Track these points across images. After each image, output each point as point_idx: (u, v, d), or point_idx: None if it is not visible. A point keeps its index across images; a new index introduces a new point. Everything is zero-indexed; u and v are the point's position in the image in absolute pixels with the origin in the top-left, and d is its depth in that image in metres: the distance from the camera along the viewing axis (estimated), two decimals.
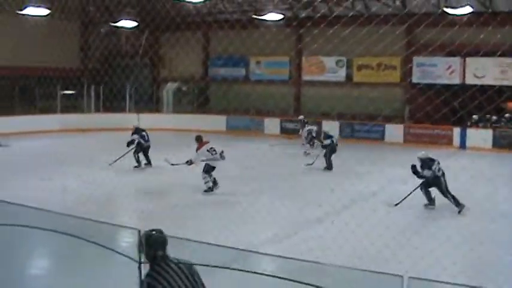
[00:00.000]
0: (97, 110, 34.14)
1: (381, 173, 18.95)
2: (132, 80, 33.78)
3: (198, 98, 35.12)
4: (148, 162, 19.33)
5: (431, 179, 13.62)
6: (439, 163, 13.82)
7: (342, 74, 32.29)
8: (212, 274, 4.96)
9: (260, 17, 26.40)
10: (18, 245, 8.78)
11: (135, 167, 18.96)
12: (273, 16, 25.88)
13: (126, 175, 17.62)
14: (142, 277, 4.54)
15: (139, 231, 4.23)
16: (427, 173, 13.60)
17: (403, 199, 13.70)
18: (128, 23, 29.68)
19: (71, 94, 33.94)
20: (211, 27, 33.68)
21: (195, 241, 4.95)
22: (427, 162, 13.79)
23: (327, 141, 19.85)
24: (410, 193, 13.72)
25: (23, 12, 23.35)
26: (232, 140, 26.63)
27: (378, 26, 16.20)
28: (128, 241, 9.41)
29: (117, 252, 4.81)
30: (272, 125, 31.14)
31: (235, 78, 35.19)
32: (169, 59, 36.33)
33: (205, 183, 14.86)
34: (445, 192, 13.55)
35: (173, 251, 4.53)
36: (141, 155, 19.19)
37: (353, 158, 21.06)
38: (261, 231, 11.23)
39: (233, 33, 29.99)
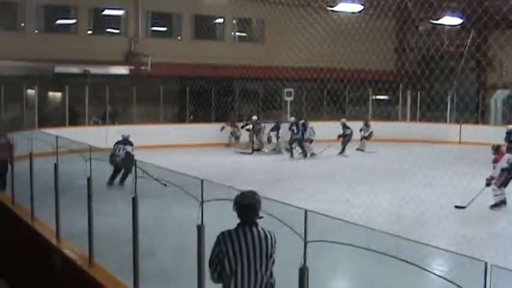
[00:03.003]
0: (413, 119, 33.45)
1: None
2: (455, 85, 32.44)
3: None
4: None
5: None
6: None
7: None
8: None
9: None
10: (323, 261, 8.75)
11: None
12: None
13: (442, 194, 16.61)
14: None
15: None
16: None
17: None
18: (452, 20, 28.62)
19: (384, 100, 33.79)
20: None
21: None
22: None
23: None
24: None
25: (335, 8, 23.54)
26: None
27: None
28: (442, 269, 8.94)
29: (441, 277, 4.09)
30: None
31: None
32: (499, 62, 34.19)
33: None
34: None
35: None
36: None
37: None
38: None
39: None
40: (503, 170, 14.98)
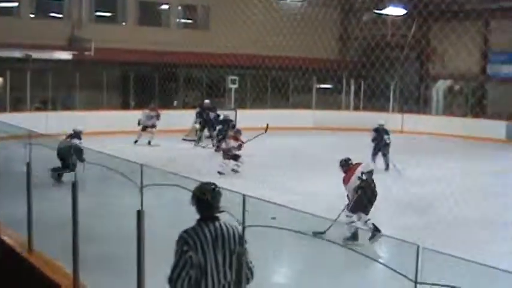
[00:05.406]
0: (356, 108, 33.88)
1: None
2: (398, 75, 32.88)
3: (473, 100, 33.12)
4: None
5: None
6: None
7: None
8: None
9: None
10: (267, 247, 8.80)
11: None
12: None
13: (383, 184, 16.89)
14: None
15: None
16: None
17: None
18: (396, 10, 28.98)
19: (328, 88, 34.08)
20: (494, 15, 31.42)
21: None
22: None
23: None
24: None
25: None
26: None
27: None
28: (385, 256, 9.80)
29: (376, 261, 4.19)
30: None
31: None
32: (442, 53, 34.68)
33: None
34: None
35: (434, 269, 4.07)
36: None
37: None
38: None
39: None
40: (356, 190, 11.52)
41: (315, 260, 9.48)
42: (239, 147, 18.66)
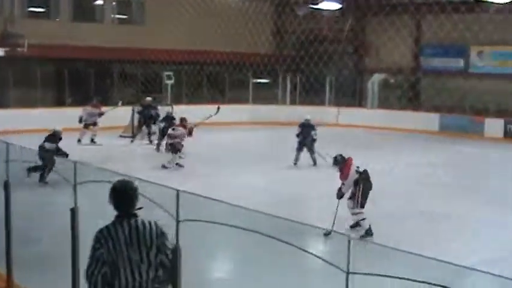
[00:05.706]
0: (292, 102, 34.11)
1: None
2: (333, 69, 33.23)
3: (407, 93, 33.65)
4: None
5: None
6: None
7: None
8: None
9: None
10: (202, 242, 9.03)
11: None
12: None
13: (318, 174, 17.08)
14: None
15: None
16: None
17: None
18: (331, 5, 29.29)
19: (264, 83, 34.15)
20: (422, 10, 31.88)
21: (408, 252, 4.61)
22: None
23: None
24: None
25: None
26: (446, 142, 25.81)
27: None
28: (321, 249, 9.89)
29: (318, 256, 4.29)
30: (494, 126, 28.95)
31: (451, 71, 33.33)
32: (376, 47, 35.17)
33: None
34: None
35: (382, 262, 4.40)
36: None
37: None
38: (478, 250, 10.51)
39: (449, 17, 28.21)
40: (357, 183, 11.76)
41: (252, 255, 9.59)
42: (189, 132, 18.68)
